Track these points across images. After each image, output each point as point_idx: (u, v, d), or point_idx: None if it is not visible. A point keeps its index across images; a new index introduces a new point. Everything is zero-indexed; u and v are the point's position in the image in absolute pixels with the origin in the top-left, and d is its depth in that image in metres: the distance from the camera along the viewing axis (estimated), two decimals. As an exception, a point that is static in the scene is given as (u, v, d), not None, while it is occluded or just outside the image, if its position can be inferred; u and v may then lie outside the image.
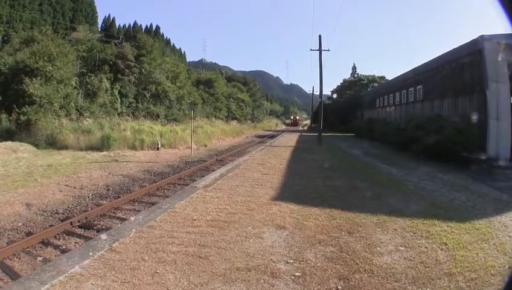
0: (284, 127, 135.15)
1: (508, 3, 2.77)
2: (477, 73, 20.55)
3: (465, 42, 22.47)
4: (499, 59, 19.29)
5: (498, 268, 6.33)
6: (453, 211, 10.42)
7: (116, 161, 24.94)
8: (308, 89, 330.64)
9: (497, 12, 2.74)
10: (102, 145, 29.81)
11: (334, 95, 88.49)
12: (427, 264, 6.57)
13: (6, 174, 18.54)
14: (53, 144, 29.81)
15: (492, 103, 19.20)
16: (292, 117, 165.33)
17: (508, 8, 2.72)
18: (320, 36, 39.48)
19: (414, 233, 8.33)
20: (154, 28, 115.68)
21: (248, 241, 7.80)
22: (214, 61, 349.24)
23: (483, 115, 19.58)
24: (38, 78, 34.22)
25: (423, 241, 7.77)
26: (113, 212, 13.20)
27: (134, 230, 8.32)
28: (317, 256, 6.99)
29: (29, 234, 10.73)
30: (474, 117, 20.38)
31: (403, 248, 7.41)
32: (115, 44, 60.01)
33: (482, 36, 20.15)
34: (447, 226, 8.69)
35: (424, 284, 5.80)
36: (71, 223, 11.41)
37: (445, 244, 7.56)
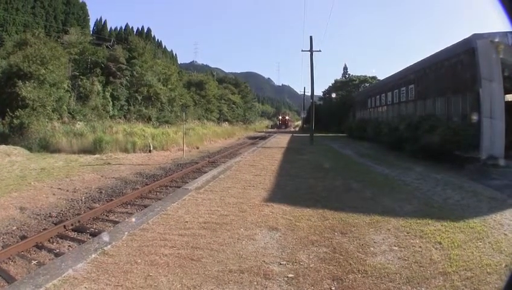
0: (274, 129, 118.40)
1: (508, 2, 2.76)
2: (471, 72, 20.54)
3: (458, 41, 22.48)
4: (492, 58, 19.32)
5: (494, 267, 6.32)
6: (447, 210, 10.43)
7: (109, 163, 24.96)
8: (299, 90, 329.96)
9: (496, 11, 2.72)
10: (95, 148, 29.83)
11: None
12: (422, 263, 6.56)
13: (0, 177, 18.47)
14: (46, 147, 29.80)
15: (485, 101, 19.20)
16: (281, 117, 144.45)
17: (508, 6, 2.70)
18: (311, 37, 40.11)
19: (408, 233, 8.32)
20: (145, 30, 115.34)
21: (241, 243, 7.80)
22: (205, 63, 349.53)
23: (477, 113, 19.58)
24: (32, 81, 34.12)
25: (417, 241, 7.76)
26: (106, 215, 13.22)
27: (126, 233, 8.29)
28: (310, 257, 6.99)
29: (23, 237, 10.71)
30: (468, 116, 20.40)
31: (396, 248, 7.40)
32: (107, 47, 59.89)
33: (475, 35, 20.15)
34: (441, 225, 8.69)
35: (419, 284, 5.78)
36: (64, 227, 11.40)
37: (440, 243, 7.55)
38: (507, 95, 20.23)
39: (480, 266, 6.37)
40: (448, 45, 24.02)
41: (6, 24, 62.49)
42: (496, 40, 19.29)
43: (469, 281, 5.80)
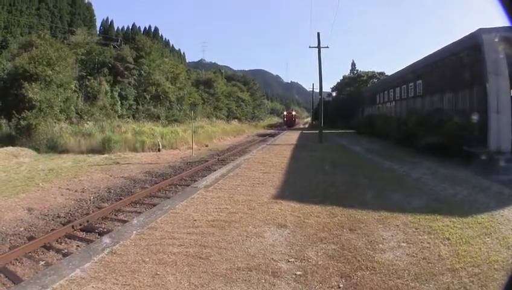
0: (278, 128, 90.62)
1: (507, 2, 2.75)
2: (477, 66, 20.50)
3: (464, 36, 22.42)
4: (499, 52, 19.26)
5: (501, 263, 6.29)
6: (455, 205, 10.39)
7: (117, 163, 25.02)
8: (308, 87, 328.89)
9: (496, 11, 2.72)
10: (103, 147, 29.88)
11: (334, 93, 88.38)
12: (430, 260, 6.55)
13: (7, 179, 18.57)
14: (54, 148, 29.84)
15: (492, 96, 19.17)
16: (286, 113, 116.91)
17: (508, 6, 2.69)
18: (318, 33, 39.56)
19: (416, 229, 8.30)
20: (153, 29, 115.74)
21: (249, 240, 7.80)
22: (213, 61, 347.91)
23: (484, 108, 19.55)
24: (38, 82, 34.20)
25: (425, 237, 7.73)
26: (115, 214, 13.25)
27: (135, 232, 8.31)
28: (319, 254, 6.98)
29: (31, 238, 10.75)
30: (475, 111, 20.35)
31: (405, 244, 7.38)
32: (114, 46, 60.05)
33: (481, 29, 20.10)
34: (450, 221, 8.66)
35: (427, 281, 5.77)
36: (73, 227, 11.43)
37: (448, 239, 7.53)
38: (514, 90, 20.18)
39: (488, 262, 6.35)
40: (455, 40, 24.01)
41: (10, 26, 62.68)
42: (502, 34, 19.23)
43: (477, 278, 5.78)
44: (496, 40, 19.41)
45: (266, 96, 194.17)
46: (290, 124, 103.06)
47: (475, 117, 20.00)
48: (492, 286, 5.57)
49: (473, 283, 5.62)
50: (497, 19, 2.86)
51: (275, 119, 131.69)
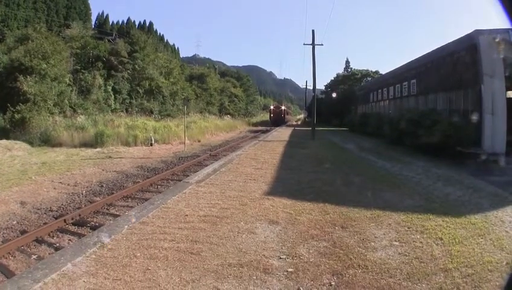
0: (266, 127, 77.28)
1: (507, 2, 2.73)
2: (472, 68, 20.49)
3: (460, 36, 22.42)
4: (495, 54, 19.27)
5: (495, 264, 6.30)
6: (448, 205, 10.40)
7: (110, 157, 24.99)
8: (301, 84, 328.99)
9: (496, 10, 2.70)
10: (96, 141, 29.85)
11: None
12: (422, 259, 6.55)
13: (0, 172, 18.50)
14: (47, 141, 29.76)
15: (487, 97, 19.18)
16: (273, 108, 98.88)
17: (508, 5, 2.68)
18: (313, 31, 39.33)
19: (409, 228, 8.31)
20: (147, 24, 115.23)
21: (241, 236, 7.79)
22: (207, 57, 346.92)
23: (478, 109, 19.55)
24: (33, 76, 34.13)
25: (418, 236, 7.73)
26: (107, 208, 13.21)
27: (126, 226, 8.28)
28: (310, 251, 6.98)
29: (23, 232, 10.70)
30: (469, 112, 20.37)
31: (397, 243, 7.38)
32: (109, 40, 59.84)
33: (477, 31, 20.11)
34: (443, 221, 8.66)
35: (420, 280, 5.76)
36: (65, 221, 11.38)
37: (441, 239, 7.53)
38: (509, 92, 20.20)
39: (481, 263, 6.35)
40: (451, 40, 24.02)
41: (7, 19, 62.37)
42: (498, 36, 19.24)
43: (470, 278, 5.78)
44: (493, 41, 19.41)
45: (259, 92, 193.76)
46: (278, 121, 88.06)
47: (469, 118, 20.01)
48: (486, 287, 5.56)
49: (466, 284, 5.61)
50: (495, 20, 2.85)
51: (268, 116, 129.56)
